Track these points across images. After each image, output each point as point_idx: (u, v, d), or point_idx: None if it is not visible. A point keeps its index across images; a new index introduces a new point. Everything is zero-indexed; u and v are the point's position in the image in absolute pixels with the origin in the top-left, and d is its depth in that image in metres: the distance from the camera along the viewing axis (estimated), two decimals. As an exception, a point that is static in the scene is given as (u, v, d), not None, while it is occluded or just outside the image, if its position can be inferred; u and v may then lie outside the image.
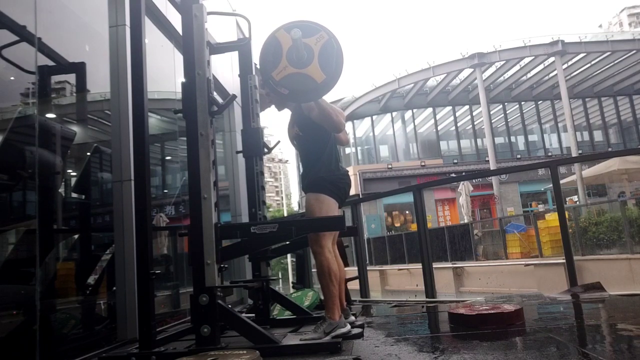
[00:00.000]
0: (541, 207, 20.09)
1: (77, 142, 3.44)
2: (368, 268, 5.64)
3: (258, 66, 2.60)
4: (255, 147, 3.25)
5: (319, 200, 2.70)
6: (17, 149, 2.75)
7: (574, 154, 16.52)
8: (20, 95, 2.85)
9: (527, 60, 19.78)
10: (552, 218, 10.27)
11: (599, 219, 9.83)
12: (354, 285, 4.92)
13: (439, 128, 23.96)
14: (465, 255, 12.83)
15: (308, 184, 2.79)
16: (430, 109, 23.89)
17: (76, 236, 3.57)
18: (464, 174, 21.16)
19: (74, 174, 3.62)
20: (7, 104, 2.81)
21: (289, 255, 15.16)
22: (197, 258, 2.36)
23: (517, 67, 20.72)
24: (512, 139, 24.31)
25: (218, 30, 5.01)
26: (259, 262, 3.21)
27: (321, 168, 2.76)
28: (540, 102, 23.98)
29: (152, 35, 4.13)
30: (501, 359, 1.92)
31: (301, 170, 2.99)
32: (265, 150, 3.34)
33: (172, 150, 5.48)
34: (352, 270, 5.36)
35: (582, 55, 19.45)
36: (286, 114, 3.07)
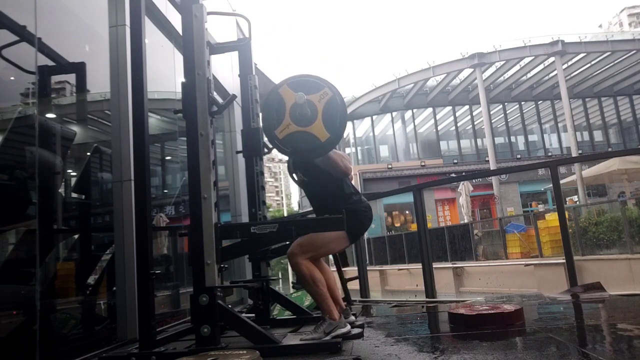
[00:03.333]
0: (541, 207, 20.09)
1: (77, 142, 3.44)
2: (368, 268, 5.64)
3: (261, 122, 2.58)
4: (255, 147, 3.25)
5: None
6: (17, 149, 2.75)
7: (574, 154, 16.51)
8: (20, 95, 2.85)
9: (527, 60, 19.77)
10: (552, 218, 10.27)
11: (599, 219, 9.83)
12: (354, 285, 4.92)
13: (439, 128, 23.96)
14: (465, 255, 12.82)
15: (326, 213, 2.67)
16: (430, 109, 23.89)
17: (76, 236, 3.57)
18: (464, 174, 21.15)
19: (74, 174, 3.62)
20: (7, 104, 2.81)
21: (289, 255, 15.11)
22: (197, 258, 2.36)
23: (517, 67, 20.72)
24: (512, 139, 24.30)
25: (218, 30, 5.01)
26: (259, 262, 3.21)
27: (341, 203, 2.65)
28: (540, 102, 23.98)
29: (152, 35, 4.13)
30: (501, 359, 1.92)
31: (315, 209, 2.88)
32: (265, 150, 3.33)
33: (172, 150, 5.48)
34: (352, 270, 5.36)
35: (582, 55, 19.45)
36: None
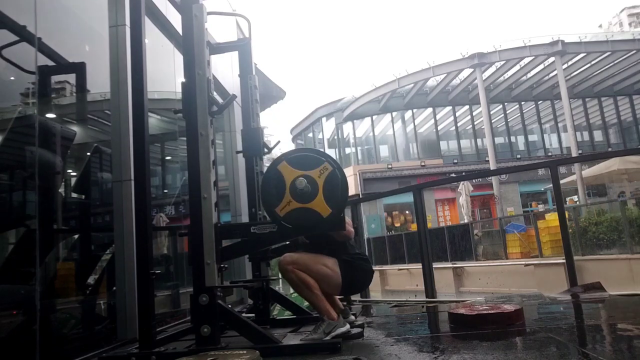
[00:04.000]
0: (541, 207, 20.09)
1: (77, 142, 3.45)
2: (368, 268, 5.61)
3: (261, 200, 2.51)
4: (255, 147, 3.25)
5: (325, 258, 2.60)
6: (17, 149, 2.75)
7: (574, 154, 16.52)
8: (20, 95, 2.85)
9: (527, 60, 19.77)
10: (552, 218, 10.26)
11: (599, 219, 9.82)
12: (354, 285, 4.91)
13: (439, 128, 23.96)
14: (465, 255, 12.81)
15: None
16: (430, 109, 23.88)
17: (76, 236, 3.57)
18: (464, 174, 21.15)
19: (74, 174, 3.62)
20: (7, 104, 2.81)
21: (289, 255, 15.10)
22: (197, 258, 2.36)
23: (517, 67, 20.71)
24: (512, 139, 24.30)
25: (218, 30, 5.01)
26: (259, 262, 3.21)
27: (342, 254, 2.66)
28: (540, 102, 23.98)
29: (152, 35, 4.13)
30: (501, 359, 1.92)
31: None
32: (265, 150, 3.34)
33: (172, 150, 5.49)
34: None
35: (582, 55, 19.44)
36: None
